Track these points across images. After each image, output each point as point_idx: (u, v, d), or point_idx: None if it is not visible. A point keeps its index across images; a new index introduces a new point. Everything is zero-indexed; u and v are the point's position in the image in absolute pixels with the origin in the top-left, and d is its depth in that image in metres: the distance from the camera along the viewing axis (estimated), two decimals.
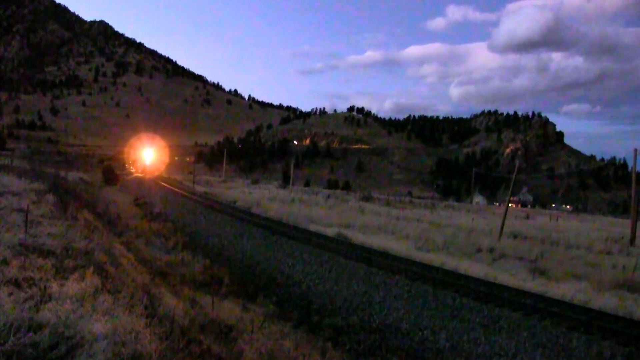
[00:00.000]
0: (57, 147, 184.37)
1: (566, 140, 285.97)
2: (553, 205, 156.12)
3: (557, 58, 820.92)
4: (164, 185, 57.29)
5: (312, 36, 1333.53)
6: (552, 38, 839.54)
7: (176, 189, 52.13)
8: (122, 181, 56.59)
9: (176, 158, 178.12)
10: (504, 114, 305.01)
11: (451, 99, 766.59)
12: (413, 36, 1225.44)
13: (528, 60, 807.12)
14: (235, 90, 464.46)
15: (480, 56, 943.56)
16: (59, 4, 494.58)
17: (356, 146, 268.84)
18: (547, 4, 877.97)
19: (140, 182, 61.51)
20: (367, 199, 66.56)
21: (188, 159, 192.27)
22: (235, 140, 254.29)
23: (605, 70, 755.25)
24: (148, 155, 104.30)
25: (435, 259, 19.96)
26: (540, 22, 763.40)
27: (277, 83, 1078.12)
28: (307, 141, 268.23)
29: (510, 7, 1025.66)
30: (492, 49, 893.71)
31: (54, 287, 6.25)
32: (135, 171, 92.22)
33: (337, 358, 9.78)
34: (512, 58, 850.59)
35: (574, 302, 13.90)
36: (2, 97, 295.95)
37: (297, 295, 14.61)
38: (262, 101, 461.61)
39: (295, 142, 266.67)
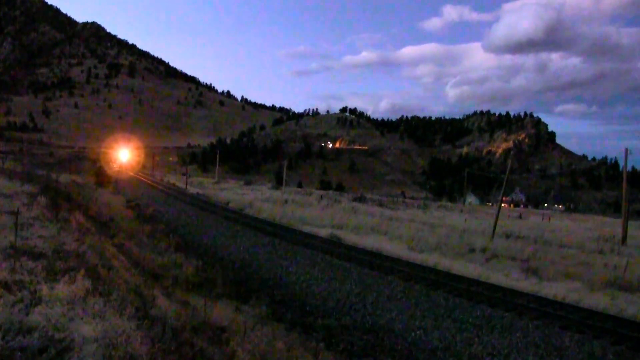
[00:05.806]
0: (49, 149, 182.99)
1: (558, 141, 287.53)
2: (545, 205, 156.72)
3: (554, 58, 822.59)
4: (157, 187, 57.07)
5: (307, 36, 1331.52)
6: (549, 38, 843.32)
7: (169, 191, 51.91)
8: (115, 183, 56.34)
9: (157, 158, 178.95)
10: (497, 115, 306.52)
11: (447, 100, 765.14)
12: (409, 36, 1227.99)
13: (524, 60, 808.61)
14: (228, 92, 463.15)
15: (476, 56, 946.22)
16: (51, 6, 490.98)
17: (349, 147, 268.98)
18: (544, 4, 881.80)
19: (130, 183, 61.37)
20: (360, 199, 66.49)
21: (171, 159, 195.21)
22: (229, 141, 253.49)
23: (602, 70, 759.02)
24: (124, 155, 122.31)
25: (429, 259, 20.03)
26: (537, 23, 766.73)
27: (272, 84, 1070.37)
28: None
29: (507, 7, 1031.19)
30: (488, 49, 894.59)
31: (44, 290, 6.21)
32: (114, 168, 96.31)
33: (330, 359, 9.76)
34: (508, 58, 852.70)
35: (566, 301, 13.99)
36: None
37: (291, 297, 14.59)
38: (255, 102, 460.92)
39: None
